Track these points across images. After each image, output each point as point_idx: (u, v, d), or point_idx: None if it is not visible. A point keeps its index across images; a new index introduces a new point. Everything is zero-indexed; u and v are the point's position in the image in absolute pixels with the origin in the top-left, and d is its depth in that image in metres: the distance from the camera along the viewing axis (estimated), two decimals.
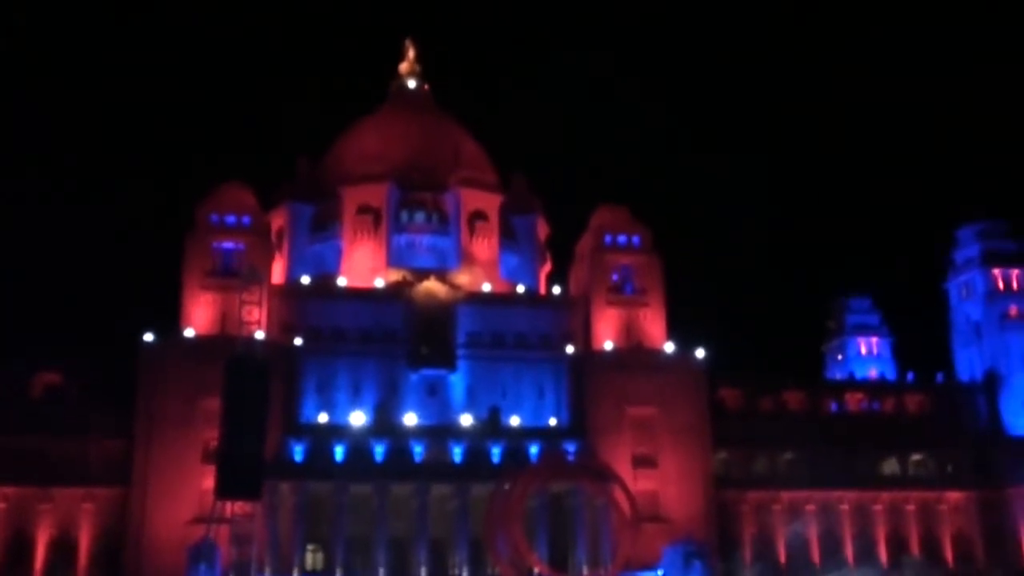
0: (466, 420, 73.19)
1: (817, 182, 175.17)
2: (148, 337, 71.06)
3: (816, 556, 72.79)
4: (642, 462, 72.83)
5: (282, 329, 74.20)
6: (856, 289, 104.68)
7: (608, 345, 77.38)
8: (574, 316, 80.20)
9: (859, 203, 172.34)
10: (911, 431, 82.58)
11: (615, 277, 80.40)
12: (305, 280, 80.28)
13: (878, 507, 77.94)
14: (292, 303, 76.71)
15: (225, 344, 56.65)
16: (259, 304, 39.38)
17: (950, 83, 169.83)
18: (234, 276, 66.47)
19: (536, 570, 45.92)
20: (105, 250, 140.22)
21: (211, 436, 56.12)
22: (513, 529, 40.91)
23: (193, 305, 73.33)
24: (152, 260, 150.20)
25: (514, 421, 74.35)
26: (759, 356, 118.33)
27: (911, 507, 78.48)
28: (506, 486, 41.96)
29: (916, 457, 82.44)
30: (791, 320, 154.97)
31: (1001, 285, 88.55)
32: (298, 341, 74.22)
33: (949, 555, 76.86)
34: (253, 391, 31.33)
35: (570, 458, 69.07)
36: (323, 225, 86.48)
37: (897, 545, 74.63)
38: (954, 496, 79.64)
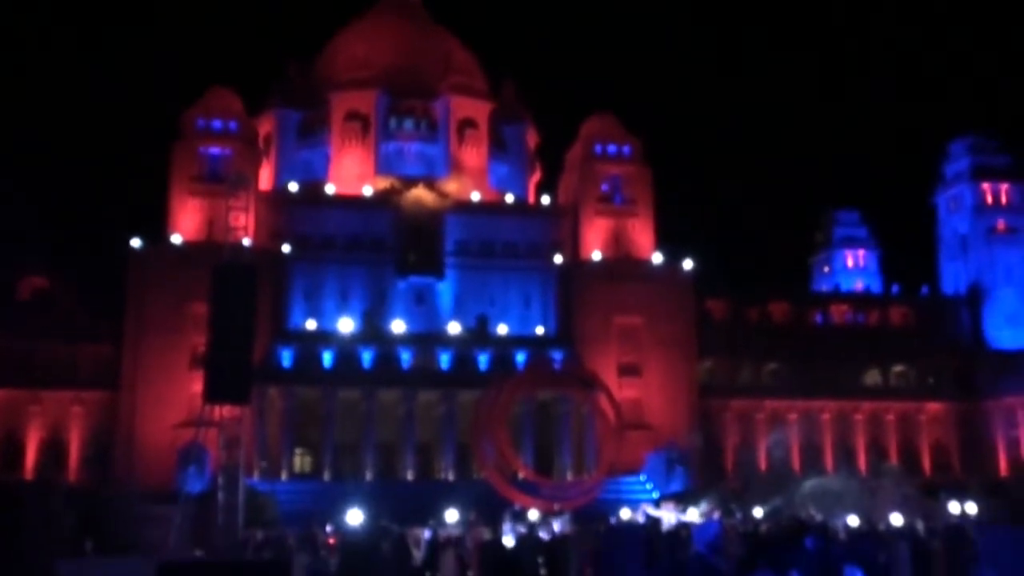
0: (454, 328, 73.63)
1: (809, 94, 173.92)
2: (135, 243, 71.06)
3: (797, 463, 74.03)
4: (628, 371, 73.63)
5: (270, 236, 74.12)
6: (845, 202, 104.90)
7: (596, 255, 77.54)
8: (563, 225, 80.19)
9: (850, 115, 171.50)
10: (894, 343, 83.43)
11: (604, 187, 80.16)
12: (293, 187, 79.90)
13: (859, 417, 79.26)
14: (280, 210, 76.49)
15: (212, 250, 56.58)
16: (246, 210, 39.18)
17: None
18: (221, 182, 66.06)
19: (521, 475, 46.67)
20: (92, 155, 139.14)
21: (199, 341, 56.46)
22: (499, 435, 41.47)
23: (180, 211, 73.19)
24: (139, 166, 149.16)
25: (501, 329, 74.85)
26: (746, 267, 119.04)
27: (891, 417, 79.81)
28: (492, 393, 42.37)
29: (898, 368, 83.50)
30: (779, 232, 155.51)
31: (990, 199, 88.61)
32: (286, 248, 74.23)
33: (927, 464, 78.45)
34: (241, 297, 31.38)
35: (556, 366, 69.65)
36: (311, 131, 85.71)
37: (876, 454, 75.90)
38: (934, 407, 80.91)
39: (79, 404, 69.85)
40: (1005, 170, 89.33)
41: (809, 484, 50.40)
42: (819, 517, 34.06)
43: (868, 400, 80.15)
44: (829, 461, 74.96)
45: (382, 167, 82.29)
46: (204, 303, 37.13)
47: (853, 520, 37.38)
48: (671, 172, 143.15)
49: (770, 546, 12.70)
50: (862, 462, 75.62)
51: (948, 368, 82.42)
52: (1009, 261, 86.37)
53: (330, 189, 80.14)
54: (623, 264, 77.25)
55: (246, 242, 44.85)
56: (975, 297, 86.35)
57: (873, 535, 25.56)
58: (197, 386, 47.76)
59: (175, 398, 66.78)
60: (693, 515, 43.03)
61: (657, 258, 78.03)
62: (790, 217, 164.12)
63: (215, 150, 74.72)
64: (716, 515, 36.54)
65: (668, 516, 39.52)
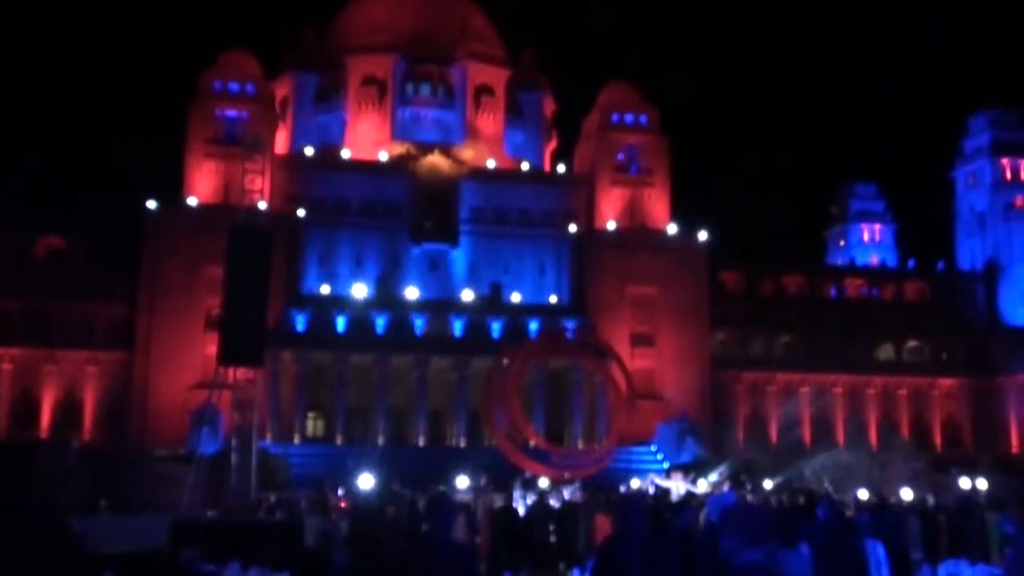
0: (467, 295, 73.70)
1: (829, 66, 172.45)
2: (151, 204, 71.20)
3: (808, 437, 74.09)
4: (640, 341, 73.64)
5: (285, 200, 74.14)
6: (862, 175, 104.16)
7: (611, 224, 77.36)
8: (578, 194, 79.97)
9: (871, 89, 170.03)
10: (909, 318, 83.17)
11: (621, 156, 79.85)
12: (309, 151, 79.83)
13: (871, 391, 79.16)
14: (295, 174, 76.49)
15: (228, 213, 56.51)
16: (262, 173, 39.20)
17: None
18: (237, 144, 65.92)
19: (532, 442, 46.72)
20: (109, 116, 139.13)
21: (214, 304, 56.60)
22: (511, 403, 41.49)
23: (196, 173, 73.29)
24: (156, 127, 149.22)
25: (515, 298, 74.88)
26: (761, 240, 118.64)
27: (903, 392, 79.68)
28: (505, 361, 42.40)
29: (912, 343, 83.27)
30: (795, 204, 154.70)
31: (1009, 175, 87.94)
32: (301, 212, 74.27)
33: (938, 440, 78.39)
34: (256, 260, 31.43)
35: (569, 335, 69.66)
36: (327, 96, 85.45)
37: (888, 429, 75.87)
38: (947, 383, 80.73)
39: (94, 364, 70.29)
40: None
41: (820, 457, 50.44)
42: (829, 490, 34.07)
43: (881, 375, 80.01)
44: (840, 435, 74.98)
45: (398, 133, 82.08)
46: (219, 266, 37.23)
47: (863, 494, 37.40)
48: (688, 142, 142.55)
49: (781, 518, 12.69)
50: (873, 437, 75.63)
51: (962, 344, 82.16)
52: None
53: (346, 154, 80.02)
54: (638, 234, 77.06)
55: (262, 205, 44.91)
56: (991, 273, 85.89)
57: (888, 508, 25.60)
58: (211, 348, 47.99)
59: (189, 360, 67.14)
60: (703, 486, 43.11)
61: (672, 229, 77.80)
62: (807, 190, 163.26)
63: (231, 112, 74.66)
64: (727, 487, 36.56)
65: (677, 486, 39.54)
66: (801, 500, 27.24)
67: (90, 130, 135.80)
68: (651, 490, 34.32)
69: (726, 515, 10.55)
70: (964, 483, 45.50)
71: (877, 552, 11.15)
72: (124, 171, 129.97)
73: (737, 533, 10.60)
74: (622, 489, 39.87)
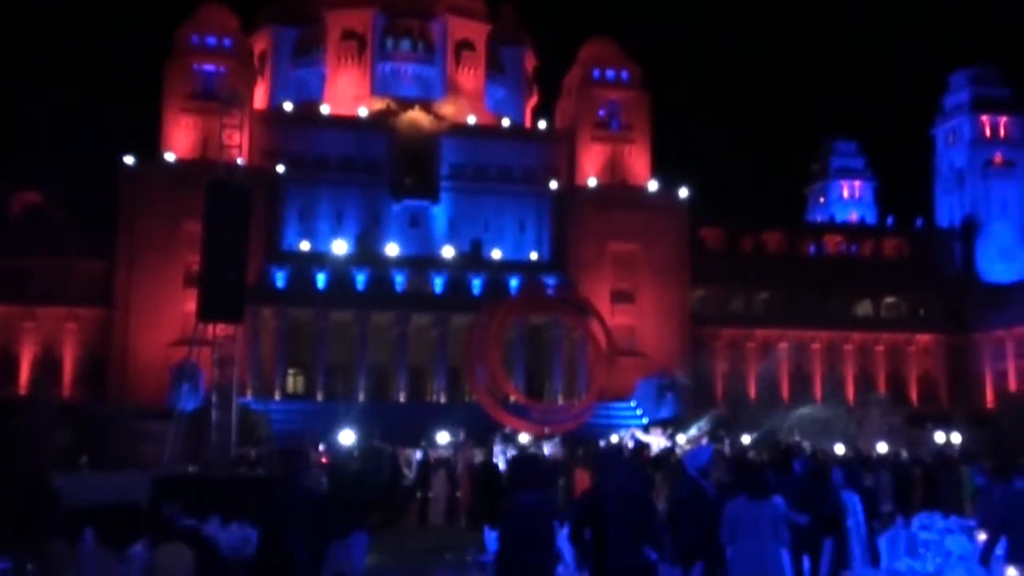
0: (448, 252, 73.63)
1: (811, 23, 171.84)
2: (128, 160, 70.60)
3: (786, 392, 74.67)
4: (621, 297, 73.85)
5: (264, 155, 73.64)
6: (843, 132, 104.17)
7: (592, 181, 77.26)
8: (559, 151, 79.74)
9: (852, 46, 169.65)
10: (887, 274, 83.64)
11: (602, 112, 79.58)
12: (287, 106, 79.15)
13: (848, 347, 79.77)
14: (274, 129, 75.91)
15: (206, 168, 56.11)
16: (240, 129, 38.80)
17: None
18: (214, 99, 65.27)
19: (512, 398, 46.98)
20: (85, 71, 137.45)
21: (193, 260, 56.38)
22: (491, 359, 41.65)
23: (173, 128, 72.69)
24: (133, 82, 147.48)
25: (495, 254, 74.86)
26: (742, 197, 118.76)
27: (881, 348, 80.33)
28: (485, 317, 42.50)
29: (889, 300, 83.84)
30: (776, 161, 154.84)
31: (988, 132, 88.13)
32: (280, 168, 73.81)
33: (914, 395, 79.20)
34: (234, 215, 31.21)
35: (550, 292, 69.72)
36: (306, 50, 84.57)
37: (865, 384, 76.52)
38: (923, 339, 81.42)
39: (73, 320, 69.97)
40: (1005, 103, 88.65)
41: (797, 412, 50.91)
42: (806, 444, 34.44)
43: (858, 331, 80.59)
44: (818, 390, 75.58)
45: (378, 88, 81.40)
46: (198, 222, 36.96)
47: (839, 448, 37.83)
48: (669, 99, 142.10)
49: (757, 471, 12.87)
50: (850, 392, 76.28)
51: (939, 300, 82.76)
52: (1005, 195, 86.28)
53: (325, 109, 79.38)
54: (619, 191, 77.01)
55: (240, 161, 44.57)
56: (969, 230, 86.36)
57: (862, 462, 25.95)
58: (191, 305, 47.77)
59: (169, 316, 66.91)
60: (681, 441, 43.49)
61: (653, 185, 77.76)
62: (788, 146, 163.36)
63: (209, 67, 73.90)
64: (705, 441, 36.95)
65: (656, 441, 39.89)
66: (778, 454, 27.56)
67: (66, 85, 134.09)
68: (630, 445, 34.62)
69: (707, 470, 10.71)
70: (939, 437, 46.11)
71: (853, 503, 11.32)
72: (101, 126, 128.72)
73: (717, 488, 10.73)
74: (601, 444, 40.21)
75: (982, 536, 11.25)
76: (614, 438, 45.60)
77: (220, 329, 33.05)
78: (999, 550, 9.96)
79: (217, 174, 36.07)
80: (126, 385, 65.83)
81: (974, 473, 13.57)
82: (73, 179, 71.98)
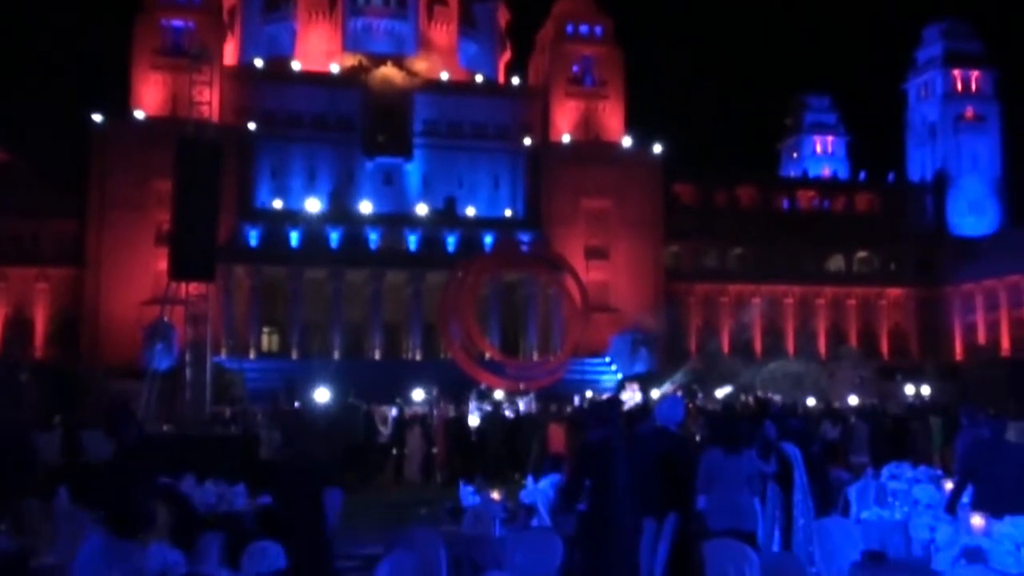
0: (421, 209, 73.42)
1: None
2: (97, 118, 69.76)
3: (759, 347, 75.28)
4: (595, 253, 73.99)
5: (235, 113, 72.90)
6: (816, 87, 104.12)
7: (566, 137, 77.07)
8: (532, 107, 79.41)
9: (826, 1, 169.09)
10: (859, 229, 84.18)
11: (575, 68, 79.23)
12: (258, 63, 78.26)
13: (821, 301, 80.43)
14: (245, 86, 75.11)
15: (176, 126, 55.40)
16: (210, 85, 38.38)
17: None
18: (184, 55, 64.37)
19: (487, 355, 47.05)
20: (52, 27, 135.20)
21: (164, 219, 55.84)
22: (466, 316, 41.59)
23: (143, 85, 71.78)
24: (101, 38, 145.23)
25: (469, 211, 74.73)
26: (716, 152, 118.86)
27: (852, 302, 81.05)
28: (460, 274, 42.47)
29: (861, 254, 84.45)
30: (749, 117, 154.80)
31: (960, 86, 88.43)
32: (252, 125, 73.15)
33: (885, 348, 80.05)
34: (205, 173, 30.92)
35: (524, 248, 69.65)
36: (276, 5, 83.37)
37: (836, 338, 77.27)
38: (894, 293, 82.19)
39: (44, 281, 69.43)
40: (977, 57, 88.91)
41: (770, 367, 51.37)
42: (778, 398, 34.82)
43: (831, 285, 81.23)
44: (791, 344, 76.25)
45: (350, 44, 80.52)
46: (168, 180, 36.61)
47: (811, 401, 38.29)
48: (643, 54, 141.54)
49: (732, 425, 13.02)
50: (823, 346, 77.02)
51: (910, 254, 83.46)
52: (975, 149, 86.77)
53: (296, 66, 78.52)
54: (592, 147, 76.89)
55: (211, 119, 44.11)
56: (940, 184, 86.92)
57: (830, 413, 26.29)
58: (162, 263, 47.48)
59: (141, 275, 66.47)
60: (656, 396, 43.80)
61: (627, 141, 77.67)
62: (761, 102, 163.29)
63: (178, 22, 72.89)
64: (679, 394, 37.23)
65: (632, 396, 40.15)
66: (750, 408, 27.84)
67: (33, 43, 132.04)
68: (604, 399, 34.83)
69: (678, 422, 10.83)
70: (909, 390, 46.68)
71: (793, 454, 11.52)
72: (69, 84, 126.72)
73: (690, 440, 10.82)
74: (576, 400, 40.47)
75: (949, 485, 11.44)
76: (588, 394, 45.93)
77: (192, 288, 32.85)
78: (965, 498, 10.12)
79: (187, 131, 35.67)
80: (98, 345, 65.51)
81: (961, 413, 13.78)
82: (42, 138, 71.09)
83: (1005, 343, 75.75)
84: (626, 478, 8.53)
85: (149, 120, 69.59)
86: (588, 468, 8.67)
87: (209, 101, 37.57)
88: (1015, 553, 7.72)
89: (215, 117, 58.93)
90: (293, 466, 10.00)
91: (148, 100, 71.14)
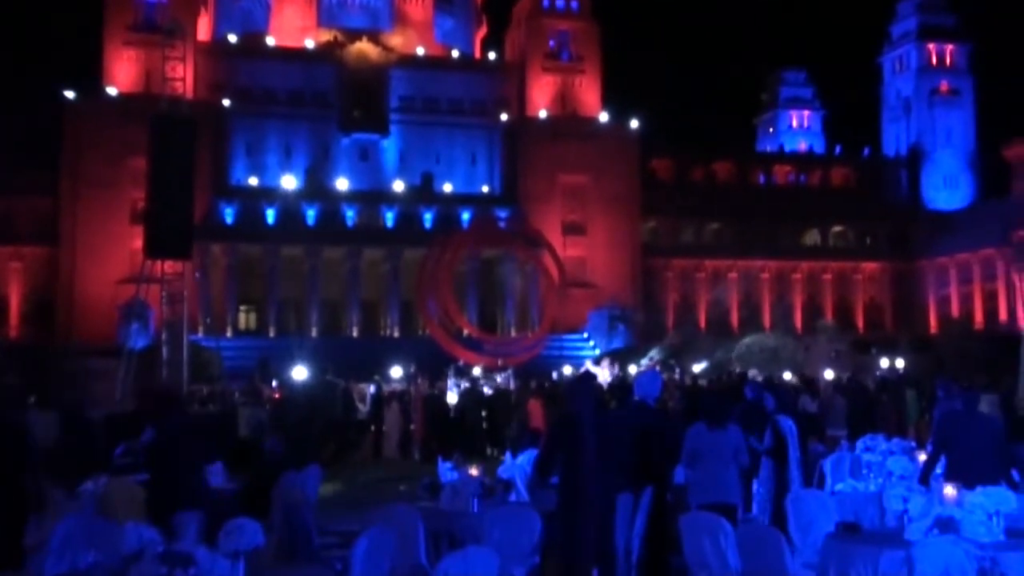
0: (398, 186, 73.18)
1: None
2: (69, 95, 69.02)
3: (735, 321, 75.62)
4: (572, 229, 74.03)
5: (209, 89, 72.29)
6: (793, 62, 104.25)
7: (542, 113, 76.88)
8: (509, 82, 79.14)
9: None
10: (835, 203, 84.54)
11: (552, 43, 78.97)
12: (232, 38, 77.53)
13: (797, 276, 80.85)
14: (219, 62, 74.44)
15: (150, 102, 54.99)
16: (184, 61, 38.09)
17: None
18: (157, 31, 63.76)
19: (465, 331, 47.17)
20: (23, 2, 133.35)
21: (139, 196, 55.63)
22: (443, 292, 41.65)
23: (116, 61, 71.05)
24: (73, 15, 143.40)
25: (446, 187, 74.55)
26: (693, 127, 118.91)
27: (828, 276, 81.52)
28: (437, 251, 42.42)
29: (837, 229, 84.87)
30: (726, 92, 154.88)
31: (934, 60, 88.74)
32: (226, 102, 72.56)
33: (860, 322, 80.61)
34: (179, 150, 30.73)
35: (501, 224, 69.70)
36: None
37: (813, 312, 77.71)
38: (870, 266, 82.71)
39: (18, 259, 68.86)
40: (951, 31, 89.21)
41: (746, 341, 51.62)
42: (754, 372, 34.99)
43: (807, 260, 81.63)
44: (767, 319, 76.62)
45: (324, 19, 79.88)
46: (143, 157, 36.45)
47: (788, 375, 38.48)
48: (620, 29, 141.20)
49: (709, 399, 13.13)
50: (799, 320, 77.45)
51: (885, 229, 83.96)
52: (949, 123, 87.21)
53: (271, 41, 77.86)
54: (569, 122, 76.75)
55: (185, 95, 43.81)
56: (914, 159, 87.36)
57: (807, 386, 26.45)
58: (138, 241, 47.26)
59: (116, 254, 66.02)
60: (633, 371, 43.97)
61: (604, 117, 77.58)
62: (738, 77, 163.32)
63: None
64: (657, 369, 37.39)
65: (603, 374, 40.34)
66: (729, 382, 28.00)
67: (3, 17, 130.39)
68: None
69: (656, 397, 10.90)
70: (884, 363, 47.03)
71: (788, 427, 11.59)
72: (41, 60, 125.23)
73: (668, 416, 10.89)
74: (554, 375, 40.60)
75: (922, 456, 11.56)
76: (567, 370, 46.08)
77: (168, 266, 32.77)
78: (938, 469, 10.24)
79: (161, 108, 35.40)
80: (74, 324, 65.08)
81: (938, 386, 13.92)
82: (14, 114, 70.17)
83: (978, 316, 76.45)
84: (595, 452, 8.55)
85: (122, 97, 68.92)
86: (559, 442, 8.71)
87: (183, 77, 37.35)
88: (986, 522, 7.83)
89: (189, 93, 58.60)
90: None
91: (121, 76, 70.43)
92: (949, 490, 8.14)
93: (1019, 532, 8.21)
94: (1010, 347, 31.66)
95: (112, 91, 69.37)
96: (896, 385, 28.93)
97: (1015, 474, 9.89)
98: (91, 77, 70.94)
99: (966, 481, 8.46)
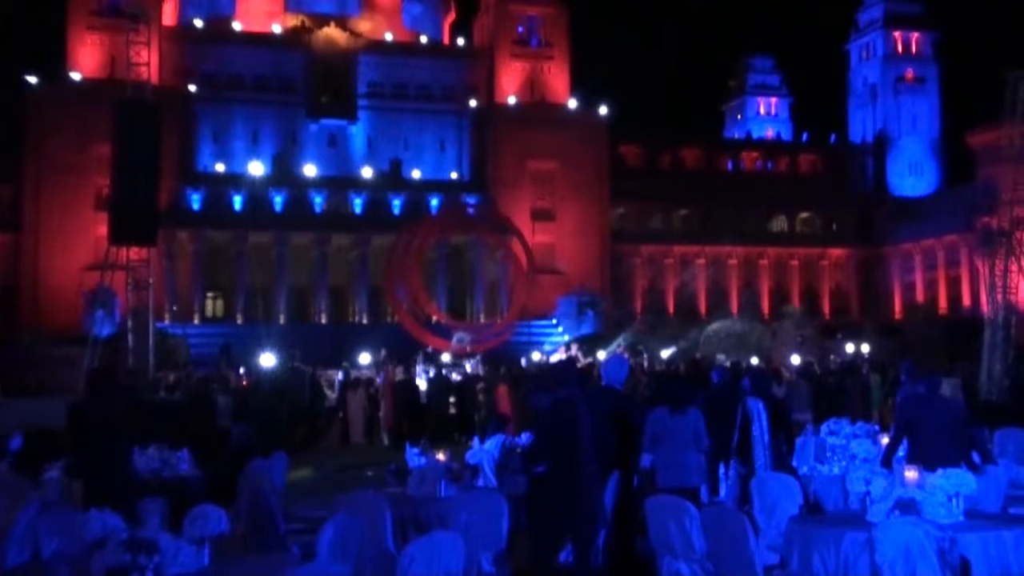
0: (367, 172, 72.89)
1: None
2: (32, 80, 68.12)
3: (703, 307, 75.98)
4: (541, 216, 74.03)
5: (175, 74, 71.53)
6: (760, 49, 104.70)
7: (511, 99, 76.75)
8: (477, 68, 78.91)
9: None
10: (802, 190, 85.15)
11: (520, 29, 78.78)
12: (198, 23, 76.73)
13: (764, 262, 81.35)
14: (185, 47, 73.67)
15: (114, 88, 54.19)
16: (148, 46, 37.65)
17: None
18: (121, 15, 62.95)
19: (434, 318, 47.16)
20: None
21: (103, 183, 54.93)
22: (412, 279, 41.65)
23: (79, 46, 70.15)
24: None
25: (415, 174, 74.33)
26: (661, 114, 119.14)
27: (795, 263, 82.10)
28: (406, 237, 42.38)
29: (804, 215, 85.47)
30: (694, 78, 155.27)
31: (900, 48, 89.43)
32: (192, 87, 71.90)
33: (827, 308, 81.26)
34: (144, 136, 30.44)
35: (470, 211, 69.62)
36: None
37: (779, 298, 78.21)
38: (836, 253, 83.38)
39: None
40: (917, 19, 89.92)
41: (713, 327, 51.91)
42: (721, 358, 35.22)
43: (774, 246, 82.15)
44: (734, 305, 77.00)
45: (292, 4, 79.21)
46: (107, 143, 36.02)
47: (754, 360, 38.76)
48: (588, 15, 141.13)
49: (674, 384, 13.23)
50: (766, 306, 77.94)
51: (851, 215, 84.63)
52: (915, 110, 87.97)
53: (237, 26, 77.14)
54: (538, 108, 76.64)
55: (150, 80, 43.32)
56: (880, 146, 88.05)
57: (772, 372, 26.65)
58: (102, 228, 46.75)
59: (80, 241, 65.33)
60: (602, 357, 44.11)
61: (572, 103, 77.54)
62: (706, 63, 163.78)
63: None
64: (624, 354, 37.55)
65: (578, 357, 40.42)
66: (694, 367, 28.16)
67: None
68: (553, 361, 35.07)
69: (623, 382, 10.97)
70: (849, 348, 47.47)
71: (758, 410, 11.67)
72: (2, 44, 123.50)
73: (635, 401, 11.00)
74: (523, 362, 40.67)
75: (885, 439, 11.69)
76: (535, 356, 46.19)
77: (134, 253, 32.45)
78: (901, 452, 10.36)
79: (125, 93, 35.01)
80: (39, 311, 64.30)
81: (902, 368, 14.09)
82: None
83: (943, 302, 77.25)
84: (591, 434, 8.70)
85: (86, 82, 68.10)
86: (556, 428, 8.72)
87: (147, 62, 36.86)
88: (946, 504, 7.95)
89: (154, 79, 57.55)
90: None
91: (85, 61, 69.58)
92: (911, 473, 8.24)
93: (978, 513, 8.35)
94: (973, 332, 32.09)
95: (76, 76, 68.53)
96: (860, 369, 29.23)
97: (975, 456, 10.02)
98: (54, 62, 70.08)
99: (927, 463, 8.57)
